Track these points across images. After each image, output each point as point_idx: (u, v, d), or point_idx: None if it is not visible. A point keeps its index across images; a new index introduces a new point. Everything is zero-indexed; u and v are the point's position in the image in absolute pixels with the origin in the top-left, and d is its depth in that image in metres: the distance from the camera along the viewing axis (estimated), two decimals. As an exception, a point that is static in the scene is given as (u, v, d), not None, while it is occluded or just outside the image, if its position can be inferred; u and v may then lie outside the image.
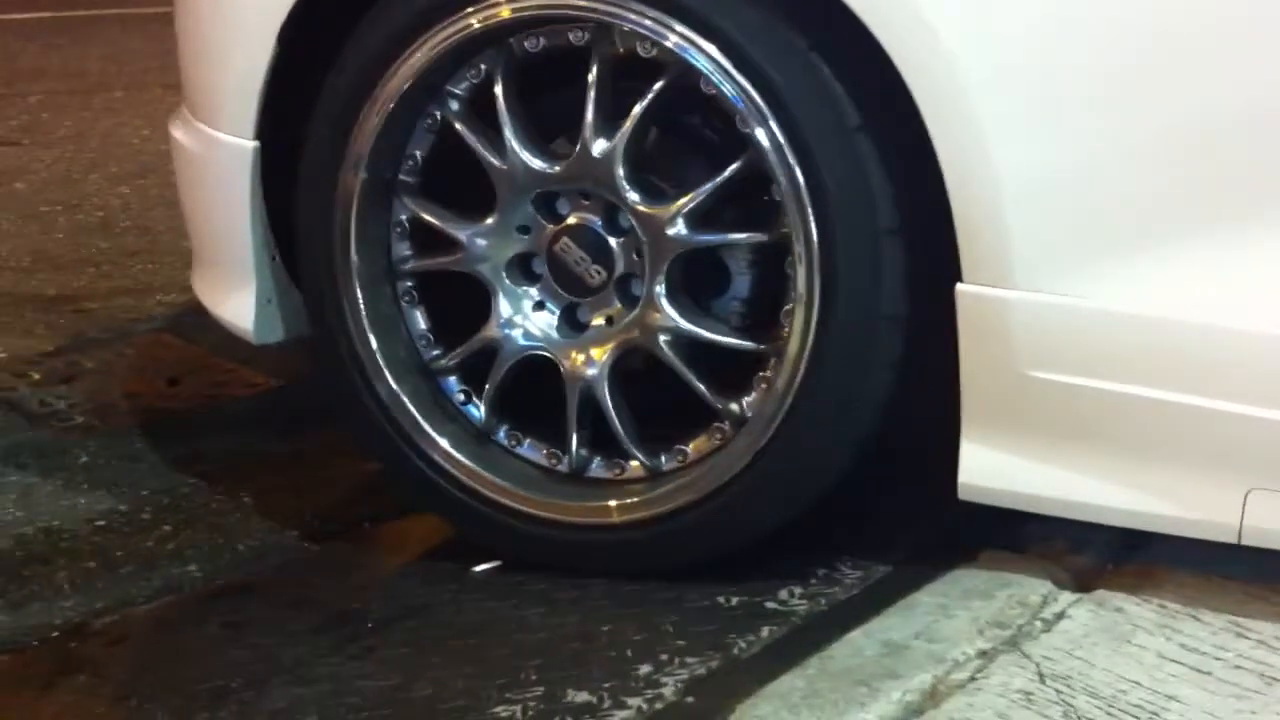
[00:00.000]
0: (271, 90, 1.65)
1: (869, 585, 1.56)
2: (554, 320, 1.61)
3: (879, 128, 1.40)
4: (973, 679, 1.33)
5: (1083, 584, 1.51)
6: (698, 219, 1.50)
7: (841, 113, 1.40)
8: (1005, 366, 1.36)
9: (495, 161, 1.57)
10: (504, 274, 1.61)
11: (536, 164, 1.55)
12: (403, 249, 1.65)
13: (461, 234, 1.61)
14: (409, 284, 1.66)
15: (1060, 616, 1.44)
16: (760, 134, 1.42)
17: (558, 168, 1.55)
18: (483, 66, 1.56)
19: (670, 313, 1.52)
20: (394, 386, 1.63)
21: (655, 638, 1.47)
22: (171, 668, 1.45)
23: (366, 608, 1.56)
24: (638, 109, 1.49)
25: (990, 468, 1.41)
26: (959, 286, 1.37)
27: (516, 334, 1.61)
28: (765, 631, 1.48)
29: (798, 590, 1.56)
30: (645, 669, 1.42)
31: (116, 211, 3.12)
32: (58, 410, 2.09)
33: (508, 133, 1.55)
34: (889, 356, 1.45)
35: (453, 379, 1.66)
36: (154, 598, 1.59)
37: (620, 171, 1.51)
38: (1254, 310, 1.31)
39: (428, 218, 1.62)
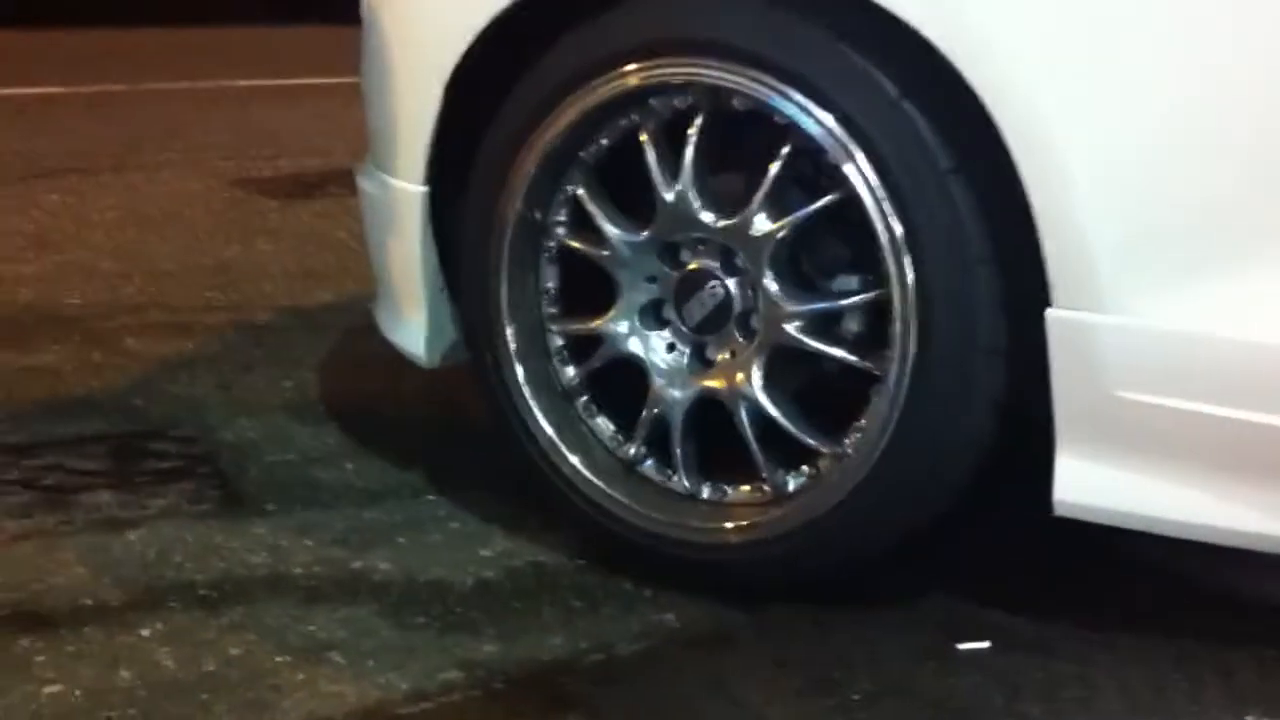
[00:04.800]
0: (440, 140, 1.80)
1: None
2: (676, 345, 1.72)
3: (971, 174, 1.46)
4: None
5: None
6: (815, 326, 1.59)
7: (935, 158, 1.46)
8: (1094, 387, 1.40)
9: (665, 195, 1.65)
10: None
11: (706, 216, 1.63)
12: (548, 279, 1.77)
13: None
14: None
15: None
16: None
17: (720, 224, 1.63)
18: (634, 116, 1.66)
19: (758, 393, 1.62)
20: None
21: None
22: (658, 715, 1.44)
23: (850, 676, 1.50)
24: (807, 210, 1.56)
25: (1083, 485, 1.44)
26: (1048, 312, 1.41)
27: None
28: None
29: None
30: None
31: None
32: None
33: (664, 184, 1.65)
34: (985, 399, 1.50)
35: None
36: (634, 641, 1.59)
37: (767, 258, 1.59)
38: None
39: (576, 245, 1.73)
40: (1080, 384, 1.41)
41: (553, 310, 1.79)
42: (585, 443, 1.76)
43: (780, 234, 1.58)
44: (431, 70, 1.78)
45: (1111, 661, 1.53)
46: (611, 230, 1.71)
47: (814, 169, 1.59)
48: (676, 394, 1.69)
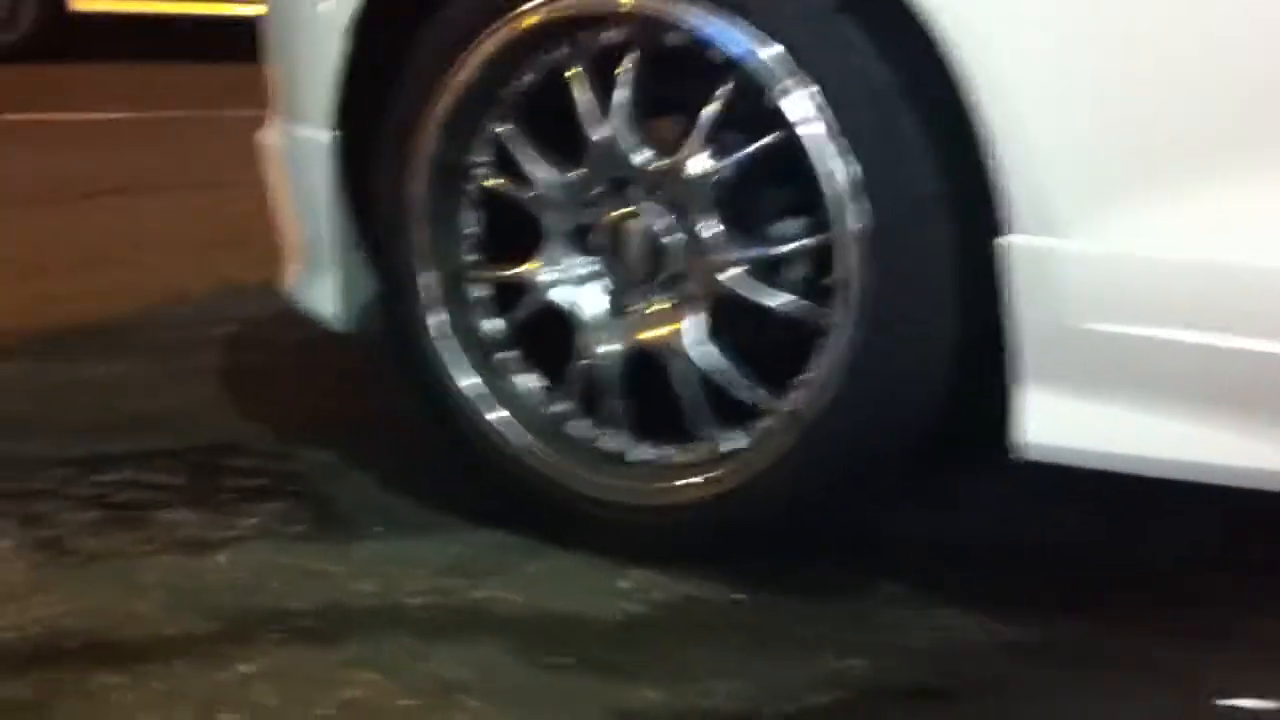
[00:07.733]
0: (347, 86, 1.68)
1: None
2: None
3: (919, 104, 1.39)
4: None
5: None
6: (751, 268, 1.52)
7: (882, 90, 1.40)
8: (1057, 318, 1.32)
9: (592, 135, 1.57)
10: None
11: (638, 157, 1.56)
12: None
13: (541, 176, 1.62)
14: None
15: None
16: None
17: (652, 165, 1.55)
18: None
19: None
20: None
21: None
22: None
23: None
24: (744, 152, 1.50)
25: (1050, 426, 1.34)
26: (1010, 239, 1.33)
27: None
28: None
29: None
30: None
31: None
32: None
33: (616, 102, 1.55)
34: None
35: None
36: (820, 690, 1.34)
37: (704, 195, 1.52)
38: None
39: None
40: (1042, 315, 1.33)
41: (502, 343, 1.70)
42: (590, 454, 1.64)
43: (716, 175, 1.52)
44: (330, 14, 1.67)
45: None
46: (538, 173, 1.62)
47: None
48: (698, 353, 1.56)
